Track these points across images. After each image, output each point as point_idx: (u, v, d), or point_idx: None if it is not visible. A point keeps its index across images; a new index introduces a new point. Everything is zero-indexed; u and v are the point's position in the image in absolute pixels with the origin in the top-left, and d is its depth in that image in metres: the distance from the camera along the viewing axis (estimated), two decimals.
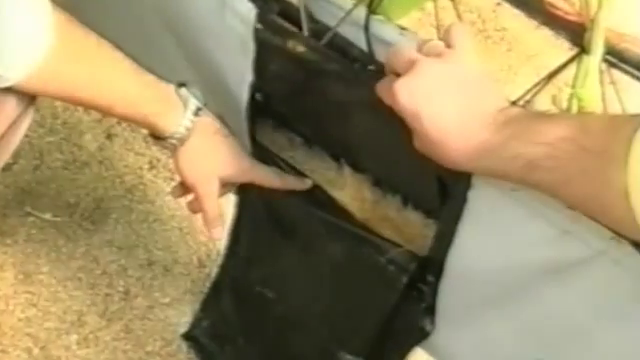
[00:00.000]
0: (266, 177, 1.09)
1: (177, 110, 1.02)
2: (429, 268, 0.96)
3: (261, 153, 1.10)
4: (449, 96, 0.81)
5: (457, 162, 0.82)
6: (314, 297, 1.12)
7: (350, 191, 1.06)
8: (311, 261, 1.10)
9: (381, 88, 0.86)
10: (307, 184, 1.08)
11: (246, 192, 1.16)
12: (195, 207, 1.11)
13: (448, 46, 0.84)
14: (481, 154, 0.79)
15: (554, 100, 0.85)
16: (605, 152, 0.70)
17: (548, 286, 0.85)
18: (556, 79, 0.91)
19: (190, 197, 1.11)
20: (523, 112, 0.80)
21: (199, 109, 1.03)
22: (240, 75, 1.04)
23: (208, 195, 1.08)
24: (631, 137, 0.67)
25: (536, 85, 0.90)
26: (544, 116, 0.77)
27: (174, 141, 1.02)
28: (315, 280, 1.11)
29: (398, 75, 0.84)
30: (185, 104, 1.02)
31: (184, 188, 1.11)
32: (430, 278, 0.96)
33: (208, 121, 1.05)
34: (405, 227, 1.00)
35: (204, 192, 1.07)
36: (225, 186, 1.10)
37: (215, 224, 1.10)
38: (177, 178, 1.14)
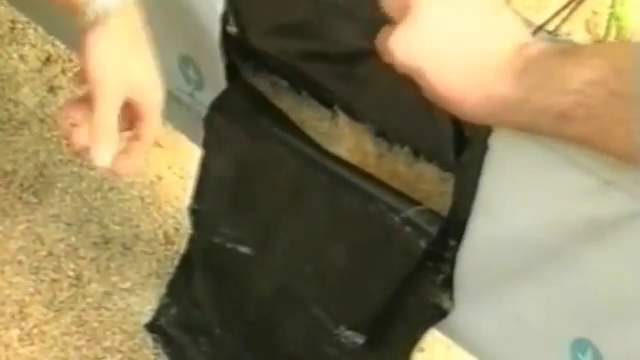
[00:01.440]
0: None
1: None
2: (450, 231, 0.96)
3: (243, 98, 1.11)
4: (455, 43, 0.81)
5: (477, 118, 0.82)
6: (305, 265, 1.12)
7: (348, 144, 1.06)
8: (302, 221, 1.10)
9: (382, 42, 0.87)
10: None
11: (215, 143, 1.16)
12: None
13: None
14: (503, 109, 0.79)
15: (587, 26, 0.86)
16: None
17: (588, 249, 0.85)
18: (594, 4, 0.91)
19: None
20: (544, 51, 0.80)
21: None
22: (210, 5, 1.05)
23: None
24: None
25: (567, 5, 0.91)
26: (569, 55, 0.77)
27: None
28: (306, 244, 1.11)
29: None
30: None
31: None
32: (452, 242, 0.97)
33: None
34: (418, 184, 1.01)
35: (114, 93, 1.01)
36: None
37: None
38: None
